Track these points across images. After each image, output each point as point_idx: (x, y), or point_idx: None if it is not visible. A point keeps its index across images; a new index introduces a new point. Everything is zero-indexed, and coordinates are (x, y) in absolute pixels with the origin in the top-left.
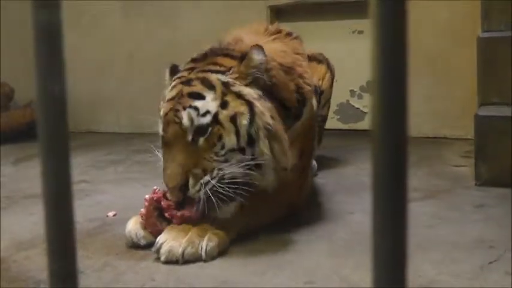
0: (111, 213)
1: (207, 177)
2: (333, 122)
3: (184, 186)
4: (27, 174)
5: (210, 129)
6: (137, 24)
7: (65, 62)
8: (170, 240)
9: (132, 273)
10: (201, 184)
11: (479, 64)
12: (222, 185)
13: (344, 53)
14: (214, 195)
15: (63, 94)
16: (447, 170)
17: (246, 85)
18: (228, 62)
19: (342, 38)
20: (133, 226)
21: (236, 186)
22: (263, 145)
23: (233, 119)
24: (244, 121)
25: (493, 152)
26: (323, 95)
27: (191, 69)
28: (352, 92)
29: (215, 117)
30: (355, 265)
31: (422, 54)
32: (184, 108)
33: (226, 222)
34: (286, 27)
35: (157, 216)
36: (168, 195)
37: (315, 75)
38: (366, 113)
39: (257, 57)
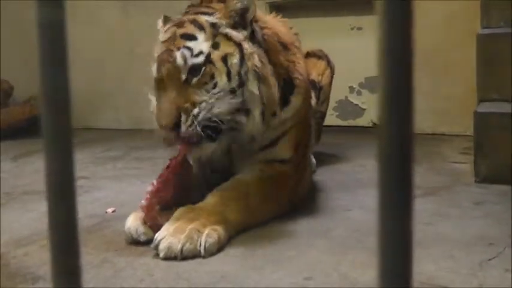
0: (110, 210)
1: (196, 110)
2: (331, 119)
3: (176, 125)
4: (26, 171)
5: (203, 68)
6: (137, 20)
7: (68, 59)
8: (169, 237)
9: (131, 270)
10: (193, 117)
11: (479, 61)
12: (210, 121)
13: (343, 49)
14: (202, 130)
15: (67, 91)
16: (446, 166)
17: (231, 26)
18: (219, 6)
19: (341, 34)
20: (133, 222)
21: (221, 126)
22: (251, 85)
23: (224, 59)
24: (234, 60)
25: (493, 148)
26: (322, 91)
27: (185, 14)
28: (351, 89)
29: (208, 57)
30: (353, 261)
31: (420, 51)
32: (178, 49)
33: (224, 218)
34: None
35: (158, 210)
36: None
37: (314, 71)
38: (364, 109)
39: (240, 0)
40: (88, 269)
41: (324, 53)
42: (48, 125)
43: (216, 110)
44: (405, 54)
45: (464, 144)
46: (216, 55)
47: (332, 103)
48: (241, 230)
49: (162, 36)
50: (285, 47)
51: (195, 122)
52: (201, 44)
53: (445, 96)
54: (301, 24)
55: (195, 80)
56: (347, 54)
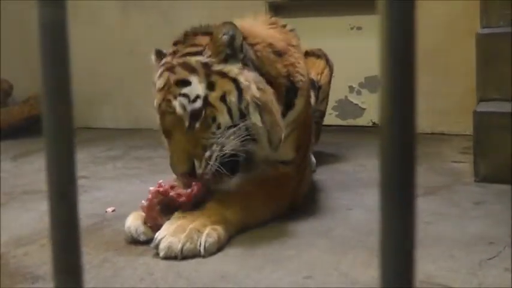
0: (110, 209)
1: (207, 153)
2: (331, 118)
3: (192, 171)
4: (25, 170)
5: (203, 112)
6: (136, 19)
7: (70, 59)
8: (169, 236)
9: (131, 269)
10: (205, 160)
11: (478, 60)
12: (224, 158)
13: (343, 49)
14: (220, 168)
15: (68, 90)
16: (446, 166)
17: (223, 61)
18: (203, 40)
19: (341, 34)
20: (133, 222)
21: (237, 158)
22: (254, 118)
23: (223, 99)
24: (232, 98)
25: (492, 148)
26: (321, 90)
27: (174, 54)
28: (350, 88)
29: (205, 99)
30: (353, 261)
31: (420, 51)
32: (175, 97)
33: (224, 218)
34: (282, 21)
35: (159, 211)
36: (176, 186)
37: (313, 70)
38: (364, 109)
39: (224, 32)
40: (88, 268)
41: (323, 52)
42: (50, 124)
43: (228, 147)
44: (408, 53)
45: (464, 144)
46: (213, 97)
47: (332, 103)
48: (241, 230)
49: (158, 83)
50: (281, 53)
51: (210, 164)
52: (196, 87)
53: (444, 96)
54: (300, 24)
55: (197, 124)
56: (347, 54)
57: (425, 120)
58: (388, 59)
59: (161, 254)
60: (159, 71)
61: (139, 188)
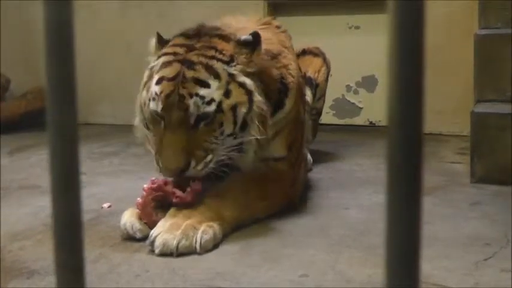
0: (106, 205)
1: (209, 157)
2: (328, 117)
3: (183, 171)
4: (22, 165)
5: (213, 116)
6: (134, 17)
7: (75, 57)
8: (164, 233)
9: (126, 265)
10: (205, 163)
11: (476, 61)
12: (219, 164)
13: (340, 48)
14: (212, 173)
15: (73, 85)
16: (443, 166)
17: (248, 74)
18: (225, 46)
19: (339, 33)
20: (129, 218)
21: (225, 168)
22: (252, 129)
23: (234, 108)
24: (243, 110)
25: (489, 149)
26: (318, 88)
27: (187, 48)
28: (348, 87)
29: (219, 105)
30: (350, 260)
31: None
32: (191, 96)
33: (220, 215)
34: (277, 21)
35: (154, 207)
36: (169, 182)
37: (310, 68)
38: (361, 108)
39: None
40: None
41: (321, 50)
42: (55, 119)
43: (221, 153)
44: (416, 53)
45: (461, 145)
46: (226, 104)
47: (329, 102)
48: (237, 227)
49: (165, 71)
50: (274, 55)
51: (208, 167)
52: (214, 92)
53: (442, 96)
54: (299, 23)
55: (202, 124)
56: (344, 53)
57: None
58: (396, 58)
59: (157, 250)
60: (166, 59)
61: (135, 185)
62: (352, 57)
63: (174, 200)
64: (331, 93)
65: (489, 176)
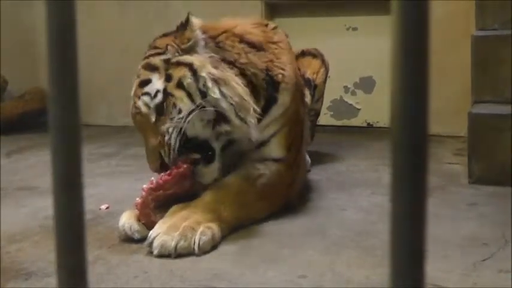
0: (103, 206)
1: (166, 137)
2: (326, 118)
3: (163, 165)
4: (19, 167)
5: (164, 104)
6: (131, 17)
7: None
8: (163, 234)
9: (124, 267)
10: (168, 146)
11: (473, 62)
12: (197, 142)
13: (338, 49)
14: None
15: (76, 86)
16: (440, 167)
17: (184, 50)
18: (164, 41)
19: (336, 34)
20: (127, 220)
21: (214, 144)
22: (212, 91)
23: (180, 85)
24: (188, 80)
25: (486, 150)
26: (317, 89)
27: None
28: (345, 88)
29: (164, 91)
30: (347, 261)
31: None
32: (139, 98)
33: (218, 216)
34: (273, 23)
35: (153, 208)
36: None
37: (309, 69)
38: (359, 109)
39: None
40: None
41: (319, 52)
42: (57, 119)
43: (192, 130)
44: (421, 54)
45: (459, 145)
46: (170, 86)
47: (327, 103)
48: (235, 228)
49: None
50: (258, 47)
51: (172, 148)
52: (156, 83)
53: (440, 97)
54: (296, 24)
55: (162, 117)
56: (342, 54)
57: None
58: (401, 60)
59: (155, 252)
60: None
61: (133, 186)
62: (350, 59)
63: (159, 181)
64: (329, 95)
65: (487, 176)
